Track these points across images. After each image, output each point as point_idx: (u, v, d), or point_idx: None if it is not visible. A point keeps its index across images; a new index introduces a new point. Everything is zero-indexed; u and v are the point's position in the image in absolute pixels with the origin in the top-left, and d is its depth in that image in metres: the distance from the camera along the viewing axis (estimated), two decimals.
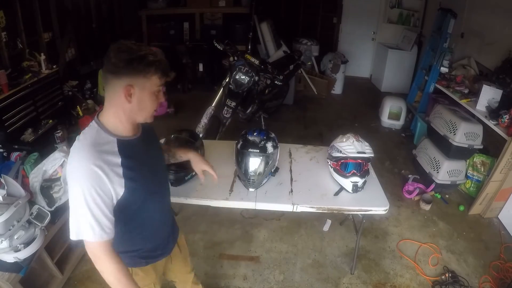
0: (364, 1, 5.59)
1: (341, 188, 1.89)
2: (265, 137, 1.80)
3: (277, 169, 1.97)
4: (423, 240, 2.53)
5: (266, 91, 3.64)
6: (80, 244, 1.22)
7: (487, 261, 2.36)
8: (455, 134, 2.79)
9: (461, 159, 2.92)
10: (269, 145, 1.79)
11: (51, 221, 1.81)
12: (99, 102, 4.08)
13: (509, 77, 2.92)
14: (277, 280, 2.19)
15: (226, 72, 3.24)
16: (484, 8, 3.59)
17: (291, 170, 2.06)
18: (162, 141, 1.98)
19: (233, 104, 3.10)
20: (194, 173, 1.85)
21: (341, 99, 5.30)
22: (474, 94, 3.10)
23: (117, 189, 1.04)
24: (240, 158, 1.80)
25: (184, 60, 4.93)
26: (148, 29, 5.35)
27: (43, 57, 3.31)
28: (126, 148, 1.07)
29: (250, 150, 1.76)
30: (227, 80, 3.14)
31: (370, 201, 1.83)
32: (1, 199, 1.58)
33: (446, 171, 2.90)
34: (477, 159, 2.95)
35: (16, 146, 2.45)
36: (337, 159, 1.88)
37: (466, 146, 2.78)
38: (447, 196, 3.03)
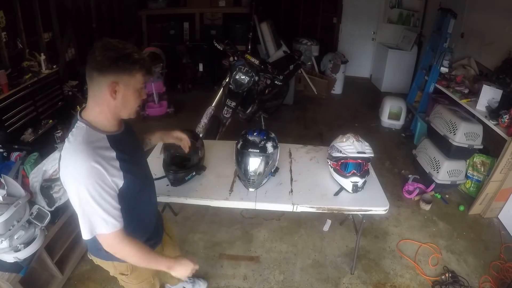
0: (364, 1, 5.59)
1: (341, 188, 1.88)
2: (265, 137, 1.80)
3: (277, 169, 1.97)
4: (423, 240, 2.53)
5: (266, 91, 3.64)
6: (88, 244, 1.28)
7: (487, 261, 2.36)
8: (455, 134, 2.79)
9: (461, 159, 2.92)
10: (269, 145, 1.79)
11: (51, 221, 1.81)
12: None
13: (509, 77, 2.92)
14: (277, 280, 2.19)
15: (226, 72, 3.24)
16: (484, 8, 3.59)
17: (291, 170, 2.06)
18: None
19: (233, 104, 3.10)
20: (194, 173, 1.86)
21: (341, 99, 5.30)
22: (474, 94, 3.10)
23: (117, 182, 1.08)
24: (240, 158, 1.80)
25: (184, 60, 4.92)
26: (148, 29, 5.35)
27: (43, 57, 3.31)
28: (116, 142, 1.10)
29: (250, 150, 1.76)
30: (227, 80, 3.14)
31: (370, 201, 1.83)
32: (1, 199, 1.58)
33: (446, 171, 2.90)
34: (477, 159, 2.95)
35: (16, 146, 2.45)
36: (337, 159, 1.88)
37: (466, 146, 2.78)
38: (447, 196, 3.03)
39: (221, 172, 1.98)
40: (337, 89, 5.41)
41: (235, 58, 3.16)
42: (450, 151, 2.84)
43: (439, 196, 2.99)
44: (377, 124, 4.40)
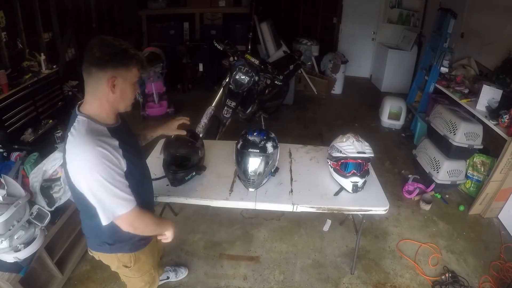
0: (364, 1, 5.59)
1: (341, 188, 1.88)
2: (265, 137, 1.80)
3: (277, 169, 1.97)
4: (423, 240, 2.53)
5: (266, 91, 3.64)
6: (89, 240, 1.35)
7: (487, 261, 2.36)
8: (455, 134, 2.79)
9: (461, 159, 2.92)
10: (269, 145, 1.79)
11: (51, 221, 1.81)
12: None
13: (509, 77, 2.92)
14: (277, 280, 2.19)
15: (226, 72, 3.24)
16: (484, 8, 3.60)
17: (291, 170, 2.06)
18: (162, 141, 1.99)
19: (233, 104, 3.09)
20: (194, 173, 1.86)
21: (341, 99, 5.30)
22: (474, 94, 3.09)
23: (122, 166, 1.13)
24: (240, 158, 1.80)
25: (184, 60, 4.93)
26: (148, 29, 5.36)
27: (43, 57, 3.31)
28: (116, 133, 1.15)
29: (250, 150, 1.76)
30: (227, 80, 3.14)
31: (370, 201, 1.83)
32: (1, 199, 1.58)
33: (446, 171, 2.90)
34: (477, 159, 2.95)
35: (16, 146, 2.44)
36: (337, 159, 1.88)
37: (466, 146, 2.78)
38: (447, 196, 3.03)
39: (221, 172, 1.98)
40: (337, 89, 5.41)
41: (235, 58, 3.15)
42: (450, 151, 2.84)
43: (439, 196, 2.99)
44: (377, 124, 4.40)
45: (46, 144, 2.87)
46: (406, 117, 4.26)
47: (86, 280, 2.13)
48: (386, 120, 4.31)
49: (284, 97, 4.24)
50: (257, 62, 3.15)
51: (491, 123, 2.71)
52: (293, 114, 4.62)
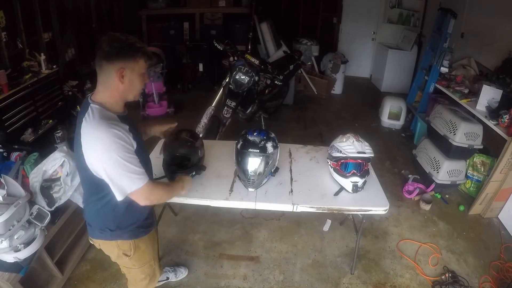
0: (364, 1, 5.60)
1: (341, 188, 1.88)
2: (265, 137, 1.80)
3: (277, 169, 1.96)
4: (423, 240, 2.53)
5: (266, 91, 3.64)
6: (90, 227, 1.40)
7: (487, 261, 2.36)
8: (455, 134, 2.79)
9: (461, 159, 2.92)
10: (269, 145, 1.78)
11: (51, 221, 1.81)
12: None
13: (509, 77, 2.92)
14: (277, 280, 2.19)
15: (226, 72, 3.24)
16: (484, 8, 3.60)
17: (291, 170, 2.06)
18: (162, 141, 1.98)
19: (233, 104, 3.09)
20: (194, 173, 1.86)
21: (341, 99, 5.30)
22: (474, 94, 3.10)
23: (134, 145, 1.23)
24: (240, 158, 1.80)
25: (184, 60, 4.93)
26: (148, 29, 5.36)
27: (43, 57, 3.31)
28: (125, 120, 1.26)
29: (250, 150, 1.76)
30: (227, 80, 3.14)
31: (370, 201, 1.83)
32: (1, 199, 1.58)
33: (446, 171, 2.90)
34: (477, 159, 2.95)
35: (16, 146, 2.44)
36: (337, 159, 1.88)
37: (466, 146, 2.78)
38: (447, 196, 3.03)
39: (221, 172, 1.98)
40: (337, 89, 5.41)
41: (235, 58, 3.16)
42: (450, 151, 2.84)
43: (439, 196, 2.99)
44: (377, 124, 4.40)
45: (46, 144, 2.87)
46: (406, 117, 4.26)
47: (86, 280, 2.13)
48: (386, 120, 4.32)
49: (284, 97, 4.25)
50: (257, 62, 3.15)
51: (491, 123, 2.71)
52: (293, 114, 4.62)
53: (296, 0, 6.00)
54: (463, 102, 3.08)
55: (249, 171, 1.78)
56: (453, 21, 3.53)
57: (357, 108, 4.89)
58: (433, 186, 2.95)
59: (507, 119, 2.58)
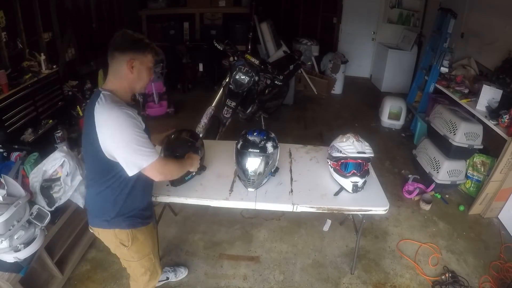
0: (364, 1, 5.60)
1: (341, 188, 1.88)
2: (265, 137, 1.80)
3: (277, 169, 1.96)
4: (423, 240, 2.53)
5: (266, 91, 3.64)
6: (90, 215, 1.46)
7: (487, 261, 2.36)
8: (455, 134, 2.79)
9: (461, 159, 2.92)
10: (269, 145, 1.78)
11: (51, 221, 1.81)
12: None
13: (509, 77, 2.92)
14: (277, 280, 2.19)
15: (226, 72, 3.24)
16: (484, 8, 3.59)
17: (291, 170, 2.06)
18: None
19: (233, 104, 3.09)
20: (194, 173, 1.86)
21: (341, 99, 5.30)
22: (474, 94, 3.09)
23: (143, 126, 1.32)
24: (240, 158, 1.80)
25: (184, 60, 4.93)
26: (148, 29, 5.35)
27: (43, 57, 3.31)
28: (133, 108, 1.34)
29: (250, 150, 1.76)
30: (227, 80, 3.14)
31: (370, 201, 1.83)
32: (1, 199, 1.58)
33: (446, 171, 2.90)
34: (477, 159, 2.95)
35: (16, 146, 2.44)
36: (337, 159, 1.88)
37: (466, 146, 2.78)
38: (447, 196, 3.03)
39: (221, 172, 1.98)
40: (337, 89, 5.41)
41: (235, 58, 3.16)
42: (450, 151, 2.84)
43: (439, 196, 2.99)
44: (377, 124, 4.40)
45: (46, 144, 2.87)
46: (406, 117, 4.26)
47: (86, 280, 2.13)
48: (386, 120, 4.32)
49: (284, 97, 4.24)
50: (257, 62, 3.15)
51: (491, 123, 2.71)
52: (293, 114, 4.62)
53: (296, 0, 6.00)
54: (463, 102, 3.08)
55: (249, 171, 1.78)
56: (453, 21, 3.53)
57: (357, 108, 4.89)
58: (433, 186, 2.95)
59: (507, 119, 2.58)
